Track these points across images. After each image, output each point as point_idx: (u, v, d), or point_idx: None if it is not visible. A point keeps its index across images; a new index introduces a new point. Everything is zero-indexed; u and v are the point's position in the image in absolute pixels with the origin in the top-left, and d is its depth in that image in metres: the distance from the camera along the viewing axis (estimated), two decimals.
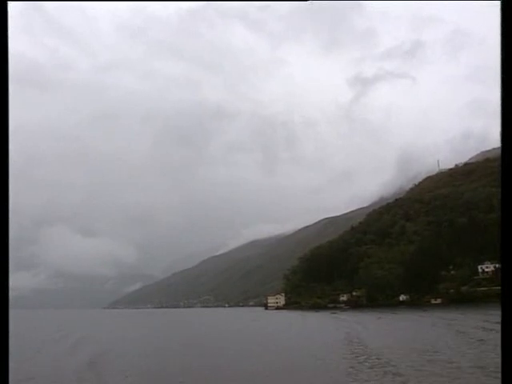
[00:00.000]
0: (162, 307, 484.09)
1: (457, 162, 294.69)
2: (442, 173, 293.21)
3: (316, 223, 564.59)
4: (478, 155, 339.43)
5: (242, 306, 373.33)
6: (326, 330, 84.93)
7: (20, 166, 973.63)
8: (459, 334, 61.94)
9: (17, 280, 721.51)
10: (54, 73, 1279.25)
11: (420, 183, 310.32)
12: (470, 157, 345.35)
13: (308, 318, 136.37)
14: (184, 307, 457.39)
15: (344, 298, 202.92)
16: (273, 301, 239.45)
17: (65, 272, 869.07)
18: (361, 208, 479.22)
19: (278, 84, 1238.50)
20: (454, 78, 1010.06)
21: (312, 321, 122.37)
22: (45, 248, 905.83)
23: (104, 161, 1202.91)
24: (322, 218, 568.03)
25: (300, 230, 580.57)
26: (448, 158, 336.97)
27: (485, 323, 75.91)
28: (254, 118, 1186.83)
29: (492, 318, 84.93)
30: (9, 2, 4.07)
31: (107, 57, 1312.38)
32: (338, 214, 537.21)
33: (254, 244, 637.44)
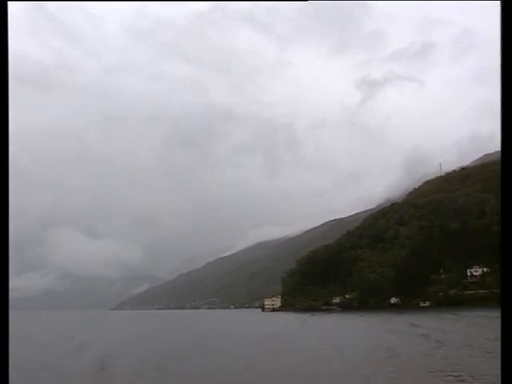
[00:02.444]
0: (168, 308, 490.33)
1: (462, 165, 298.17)
2: (439, 177, 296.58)
3: (322, 225, 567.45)
4: (481, 158, 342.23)
5: (248, 308, 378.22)
6: (273, 329, 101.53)
7: (26, 168, 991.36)
8: (361, 333, 76.59)
9: (21, 282, 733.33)
10: (60, 75, 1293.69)
11: (419, 187, 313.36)
12: (474, 159, 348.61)
13: (283, 318, 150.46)
14: (190, 309, 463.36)
15: (337, 300, 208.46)
16: (269, 303, 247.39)
17: (71, 273, 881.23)
18: (366, 210, 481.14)
19: (284, 86, 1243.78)
20: (461, 80, 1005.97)
21: (278, 321, 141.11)
22: (51, 250, 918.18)
23: (110, 163, 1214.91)
24: (328, 220, 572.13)
25: (306, 231, 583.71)
26: (452, 161, 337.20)
27: (408, 327, 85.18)
28: (261, 120, 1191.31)
29: (419, 320, 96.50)
30: (9, 2, 4.15)
31: (114, 59, 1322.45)
32: (344, 216, 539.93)
33: (260, 246, 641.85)
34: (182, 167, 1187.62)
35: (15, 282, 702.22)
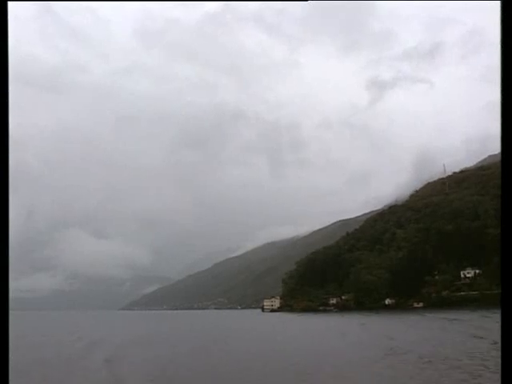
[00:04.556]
0: (176, 309, 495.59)
1: (467, 166, 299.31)
2: (440, 179, 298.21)
3: (330, 225, 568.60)
4: (484, 159, 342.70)
5: (255, 308, 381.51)
6: (245, 328, 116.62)
7: (36, 170, 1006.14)
8: (305, 333, 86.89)
9: (31, 282, 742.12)
10: (69, 77, 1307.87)
11: (420, 189, 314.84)
12: (479, 160, 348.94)
13: (272, 318, 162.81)
14: (198, 309, 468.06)
15: (333, 301, 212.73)
16: (268, 303, 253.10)
17: (80, 274, 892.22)
18: (374, 211, 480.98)
19: (293, 87, 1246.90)
20: (470, 79, 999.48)
21: (262, 321, 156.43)
22: (60, 251, 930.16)
23: (119, 164, 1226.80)
24: (337, 220, 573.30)
25: (314, 232, 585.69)
26: (459, 162, 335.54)
27: (354, 326, 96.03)
28: (269, 120, 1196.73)
29: (375, 321, 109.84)
30: (12, 4, 4.11)
31: (123, 60, 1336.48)
32: (353, 216, 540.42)
33: (268, 246, 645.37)
34: (190, 168, 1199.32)
35: (25, 283, 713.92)
